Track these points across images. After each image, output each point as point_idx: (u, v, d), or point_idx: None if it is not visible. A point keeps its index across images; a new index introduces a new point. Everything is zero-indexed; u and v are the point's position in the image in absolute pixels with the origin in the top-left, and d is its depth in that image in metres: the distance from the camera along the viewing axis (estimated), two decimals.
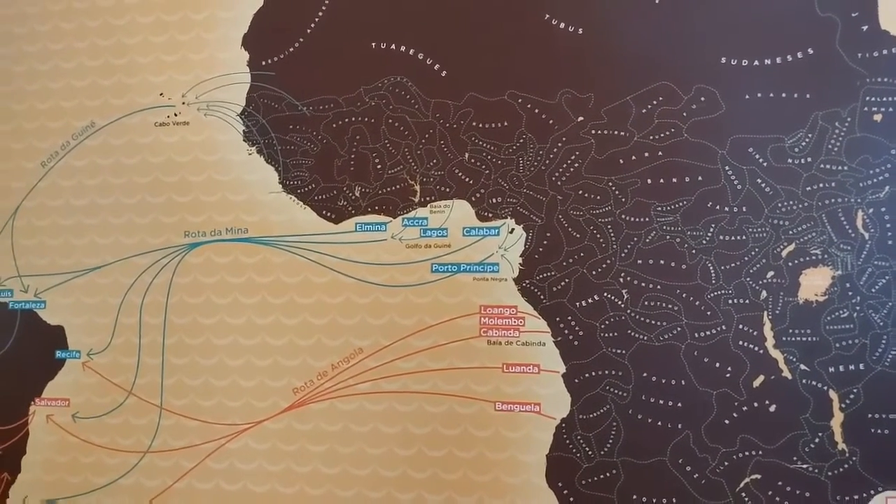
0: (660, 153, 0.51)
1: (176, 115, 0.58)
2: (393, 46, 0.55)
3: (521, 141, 0.53)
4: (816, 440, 0.48)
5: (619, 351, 0.51)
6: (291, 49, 0.57)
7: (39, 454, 0.58)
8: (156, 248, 0.58)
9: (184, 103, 0.58)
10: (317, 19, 0.56)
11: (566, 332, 0.51)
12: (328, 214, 0.55)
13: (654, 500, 0.50)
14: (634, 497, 0.50)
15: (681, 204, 0.51)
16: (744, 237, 0.50)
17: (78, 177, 0.59)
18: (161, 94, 0.58)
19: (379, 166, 0.55)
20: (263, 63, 0.57)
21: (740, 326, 0.49)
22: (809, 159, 0.49)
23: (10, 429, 0.59)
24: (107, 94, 0.59)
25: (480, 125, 0.54)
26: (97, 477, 0.57)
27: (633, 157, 0.51)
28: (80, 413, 0.58)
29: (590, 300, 0.51)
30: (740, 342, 0.49)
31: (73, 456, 0.58)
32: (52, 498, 0.57)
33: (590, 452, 0.51)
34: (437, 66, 0.54)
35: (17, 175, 0.60)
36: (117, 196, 0.58)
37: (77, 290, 0.59)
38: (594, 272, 0.51)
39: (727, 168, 0.50)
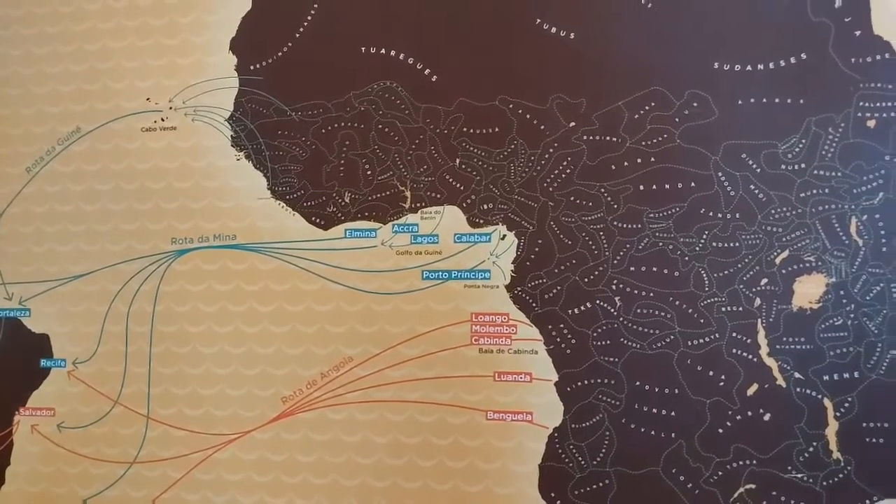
0: (652, 159, 0.51)
1: (163, 120, 0.57)
2: (383, 51, 0.54)
3: (513, 146, 0.52)
4: (811, 449, 0.47)
5: (611, 359, 0.50)
6: (280, 53, 0.56)
7: (24, 465, 0.57)
8: (143, 255, 0.57)
9: (171, 108, 0.57)
10: (306, 23, 0.56)
11: (558, 340, 0.51)
12: (317, 221, 0.55)
13: None
14: None
15: (673, 210, 0.50)
16: (737, 244, 0.49)
17: (63, 182, 0.58)
18: (148, 99, 0.57)
19: (369, 172, 0.54)
20: (252, 67, 0.56)
21: (734, 334, 0.49)
22: (803, 165, 0.49)
23: None
24: (92, 99, 0.58)
25: (471, 131, 0.53)
26: (83, 488, 0.56)
27: (626, 163, 0.51)
28: (66, 423, 0.57)
29: (582, 308, 0.51)
30: (734, 350, 0.49)
31: (58, 466, 0.57)
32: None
33: (582, 462, 0.50)
34: (427, 71, 0.54)
35: (1, 181, 0.59)
36: (103, 202, 0.58)
37: (62, 298, 0.58)
38: (586, 279, 0.51)
39: (720, 174, 0.50)
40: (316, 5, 0.56)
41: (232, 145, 0.56)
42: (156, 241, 0.57)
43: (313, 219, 0.55)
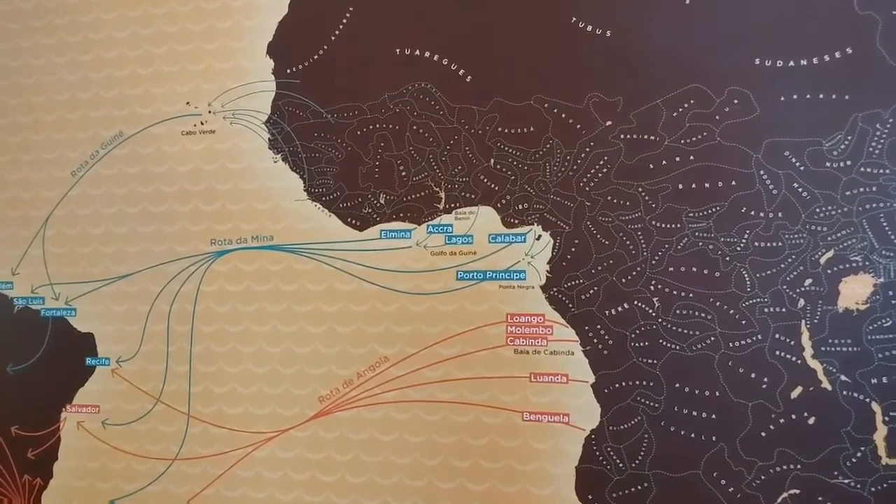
0: (691, 157, 0.50)
1: (202, 123, 0.58)
2: (417, 52, 0.55)
3: (548, 146, 0.52)
4: (858, 454, 0.46)
5: (650, 361, 0.49)
6: (316, 56, 0.57)
7: (70, 460, 0.59)
8: (183, 256, 0.58)
9: (210, 112, 0.58)
10: (341, 26, 0.56)
11: (595, 341, 0.50)
12: (353, 222, 0.55)
13: None
14: None
15: (714, 209, 0.49)
16: (780, 244, 0.48)
17: (107, 186, 0.60)
18: (187, 103, 0.59)
19: (403, 173, 0.54)
20: (288, 71, 0.57)
21: (777, 336, 0.48)
22: (849, 162, 0.47)
23: (43, 435, 0.60)
24: (134, 104, 0.60)
25: (506, 130, 0.53)
26: (127, 483, 0.58)
27: (664, 162, 0.50)
28: (110, 420, 0.59)
29: (619, 308, 0.50)
30: (777, 352, 0.48)
31: (102, 462, 0.58)
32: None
33: (620, 465, 0.49)
34: (461, 72, 0.54)
35: (48, 185, 0.61)
36: (145, 205, 0.59)
37: (106, 298, 0.59)
38: (624, 280, 0.50)
39: (762, 172, 0.49)
40: (351, 8, 0.56)
41: (269, 148, 0.57)
42: (196, 242, 0.58)
43: (349, 220, 0.55)
